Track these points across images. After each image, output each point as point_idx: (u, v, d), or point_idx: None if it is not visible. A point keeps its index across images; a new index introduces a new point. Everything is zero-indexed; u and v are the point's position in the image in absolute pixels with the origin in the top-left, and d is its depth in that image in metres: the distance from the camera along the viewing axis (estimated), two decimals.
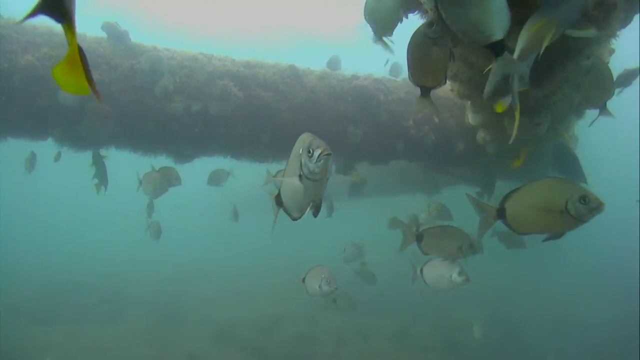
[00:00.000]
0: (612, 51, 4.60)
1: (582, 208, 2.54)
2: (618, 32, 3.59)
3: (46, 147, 6.62)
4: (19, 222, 21.47)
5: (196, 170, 7.42)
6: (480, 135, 6.34)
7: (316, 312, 10.27)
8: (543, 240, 2.82)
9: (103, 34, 6.15)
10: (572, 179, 6.88)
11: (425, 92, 3.39)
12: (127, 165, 8.29)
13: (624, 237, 18.78)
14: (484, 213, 3.01)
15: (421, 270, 3.99)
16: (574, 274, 14.29)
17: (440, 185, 10.39)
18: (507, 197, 2.83)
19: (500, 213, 2.85)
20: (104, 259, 15.77)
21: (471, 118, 5.92)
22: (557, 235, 2.75)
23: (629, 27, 3.58)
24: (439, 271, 3.86)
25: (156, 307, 10.71)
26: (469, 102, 5.70)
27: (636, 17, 3.40)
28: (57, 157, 7.09)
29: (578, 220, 2.57)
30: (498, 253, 7.25)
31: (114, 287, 12.01)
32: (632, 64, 5.56)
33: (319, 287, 4.12)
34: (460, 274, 3.77)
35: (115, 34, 6.08)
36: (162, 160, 6.91)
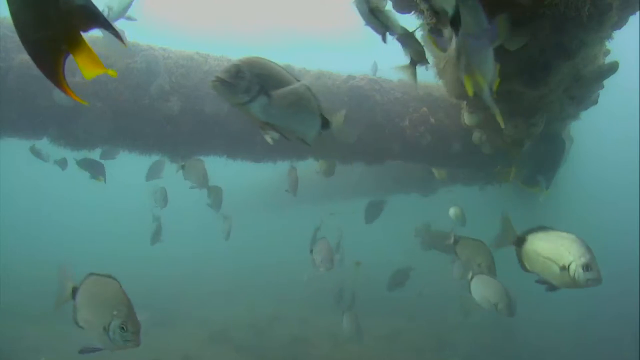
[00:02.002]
0: (607, 52, 4.62)
1: (580, 274, 2.62)
2: (612, 33, 3.61)
3: (43, 146, 6.60)
4: (16, 220, 21.35)
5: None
6: (476, 136, 6.36)
7: (311, 312, 10.28)
8: (536, 281, 2.96)
9: (99, 33, 6.13)
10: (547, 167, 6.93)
11: (413, 62, 3.48)
12: (124, 165, 8.28)
13: (623, 236, 18.85)
14: (506, 232, 3.17)
15: (471, 278, 4.14)
16: None
17: (437, 186, 10.43)
18: (531, 230, 3.00)
19: (519, 241, 3.02)
20: (98, 258, 15.69)
21: (467, 118, 5.94)
22: (552, 287, 2.86)
23: (630, 27, 3.61)
24: (487, 293, 4.00)
25: (151, 307, 10.67)
26: (465, 103, 5.71)
27: (632, 18, 3.41)
28: (63, 165, 7.07)
29: (572, 281, 2.65)
30: (496, 255, 7.26)
31: None
32: (632, 64, 5.58)
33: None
34: (507, 306, 3.91)
35: None
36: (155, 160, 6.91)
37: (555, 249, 2.76)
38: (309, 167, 8.53)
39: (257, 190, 15.94)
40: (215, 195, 6.82)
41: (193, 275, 14.34)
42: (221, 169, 7.69)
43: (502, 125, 2.44)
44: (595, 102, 5.41)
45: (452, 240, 4.42)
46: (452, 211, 6.91)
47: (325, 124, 2.32)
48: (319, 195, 13.79)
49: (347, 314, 6.70)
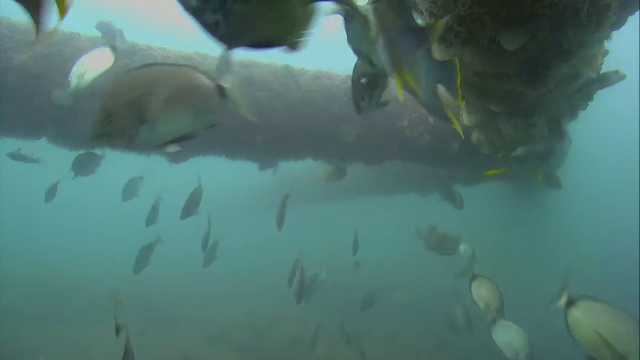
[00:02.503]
0: (606, 52, 4.63)
1: None
2: (612, 34, 3.62)
3: (42, 145, 6.60)
4: (15, 220, 21.33)
5: (190, 170, 7.41)
6: (475, 136, 6.35)
7: (310, 313, 10.28)
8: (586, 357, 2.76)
9: (97, 33, 6.12)
10: None
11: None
12: (122, 166, 8.27)
13: (623, 237, 18.85)
14: (560, 290, 3.02)
15: (493, 320, 4.30)
16: (573, 276, 14.28)
17: (436, 186, 10.43)
18: (587, 297, 2.84)
19: (569, 303, 2.89)
20: (96, 259, 15.69)
21: (466, 118, 5.93)
22: None
23: (631, 28, 3.61)
24: (511, 340, 4.17)
25: (149, 308, 10.67)
26: (464, 103, 5.71)
27: (632, 18, 3.41)
28: (52, 193, 7.14)
29: None
30: (494, 256, 7.28)
31: (106, 288, 11.93)
32: (632, 64, 5.60)
33: None
34: (528, 356, 4.04)
35: (110, 33, 6.04)
36: (157, 160, 6.90)
37: (614, 330, 2.55)
38: (309, 168, 8.52)
39: (257, 190, 15.96)
40: (207, 229, 6.88)
41: (192, 276, 14.32)
42: (221, 168, 7.70)
43: (462, 136, 2.35)
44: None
45: (469, 277, 4.55)
46: (462, 247, 6.96)
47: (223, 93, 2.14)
48: (319, 196, 13.81)
49: (354, 345, 6.88)
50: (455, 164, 7.69)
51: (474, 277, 4.49)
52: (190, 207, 6.45)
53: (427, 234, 6.50)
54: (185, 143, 6.37)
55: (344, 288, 10.92)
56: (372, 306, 8.55)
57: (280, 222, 6.28)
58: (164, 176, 7.77)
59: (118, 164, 7.80)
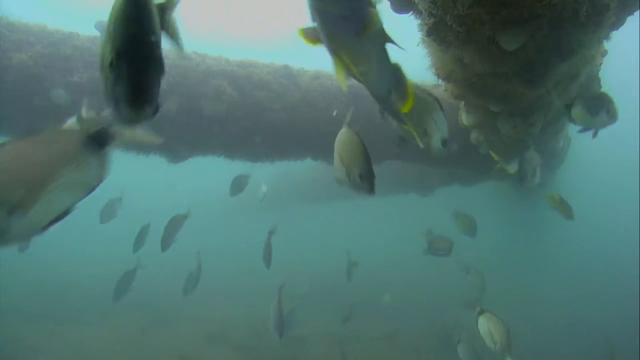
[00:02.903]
0: (604, 52, 4.63)
1: None
2: (611, 34, 3.61)
3: None
4: None
5: (189, 170, 7.40)
6: (474, 136, 6.35)
7: (308, 314, 10.28)
8: None
9: (97, 33, 6.11)
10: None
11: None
12: (121, 165, 8.25)
13: (623, 237, 18.82)
14: None
15: None
16: (572, 277, 14.30)
17: (434, 186, 10.43)
18: None
19: None
20: (95, 259, 15.67)
21: (465, 118, 5.93)
22: None
23: (631, 28, 3.60)
24: None
25: (147, 308, 10.66)
26: (463, 103, 5.71)
27: (633, 18, 3.41)
28: (25, 246, 7.12)
29: None
30: (494, 258, 7.27)
31: (105, 288, 11.92)
32: (632, 64, 5.57)
33: None
34: None
35: None
36: (156, 160, 6.89)
37: None
38: (309, 167, 8.50)
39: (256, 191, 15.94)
40: (197, 268, 6.87)
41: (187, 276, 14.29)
42: (220, 167, 7.67)
43: (420, 143, 2.28)
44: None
45: (477, 311, 4.63)
46: (470, 277, 7.00)
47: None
48: (318, 196, 13.80)
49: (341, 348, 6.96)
50: (455, 163, 7.68)
51: (480, 313, 4.57)
52: (168, 238, 6.39)
53: (429, 237, 6.52)
54: (185, 143, 6.35)
55: (343, 289, 10.91)
56: (350, 319, 8.78)
57: (267, 260, 6.33)
58: (164, 176, 7.74)
59: (117, 164, 7.80)
